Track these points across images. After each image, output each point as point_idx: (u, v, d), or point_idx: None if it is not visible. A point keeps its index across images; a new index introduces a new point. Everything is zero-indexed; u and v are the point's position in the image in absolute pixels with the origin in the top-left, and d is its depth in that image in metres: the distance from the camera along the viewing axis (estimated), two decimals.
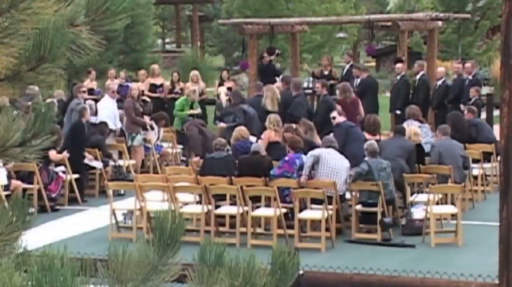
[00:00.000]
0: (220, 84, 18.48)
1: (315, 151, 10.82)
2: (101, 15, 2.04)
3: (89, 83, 18.42)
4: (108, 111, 14.57)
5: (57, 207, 12.50)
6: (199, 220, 10.71)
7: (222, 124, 15.38)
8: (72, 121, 13.63)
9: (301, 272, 4.87)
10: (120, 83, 17.97)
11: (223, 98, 16.80)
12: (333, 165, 10.67)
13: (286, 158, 10.97)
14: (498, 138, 6.55)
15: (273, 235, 10.29)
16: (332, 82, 17.94)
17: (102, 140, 13.82)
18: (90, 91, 17.37)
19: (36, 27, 1.97)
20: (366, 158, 10.69)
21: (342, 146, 11.34)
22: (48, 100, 13.73)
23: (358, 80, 17.17)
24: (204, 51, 38.40)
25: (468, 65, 17.14)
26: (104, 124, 14.13)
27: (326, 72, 18.87)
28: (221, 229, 10.86)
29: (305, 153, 10.94)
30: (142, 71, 19.44)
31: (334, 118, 12.36)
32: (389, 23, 20.43)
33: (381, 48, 37.91)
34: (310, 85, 21.13)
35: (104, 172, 13.43)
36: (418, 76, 17.19)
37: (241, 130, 12.15)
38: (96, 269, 2.07)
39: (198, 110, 15.94)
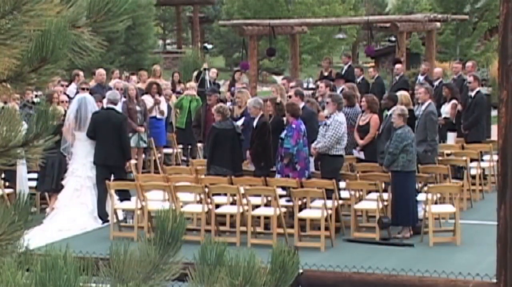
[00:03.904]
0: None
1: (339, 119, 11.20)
2: (102, 16, 2.06)
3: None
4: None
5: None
6: (200, 219, 10.76)
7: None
8: None
9: (300, 271, 4.89)
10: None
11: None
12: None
13: (293, 125, 11.01)
14: (495, 138, 6.59)
15: (273, 234, 10.33)
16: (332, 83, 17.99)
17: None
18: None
19: (38, 29, 1.99)
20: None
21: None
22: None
23: (358, 79, 17.39)
24: (204, 52, 38.45)
25: (469, 64, 17.17)
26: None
27: (326, 73, 18.87)
28: (221, 228, 10.91)
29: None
30: (143, 72, 19.42)
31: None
32: (388, 24, 20.45)
33: (380, 49, 37.93)
34: (310, 86, 21.17)
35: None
36: (421, 77, 17.21)
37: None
38: (98, 268, 2.09)
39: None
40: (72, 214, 11.48)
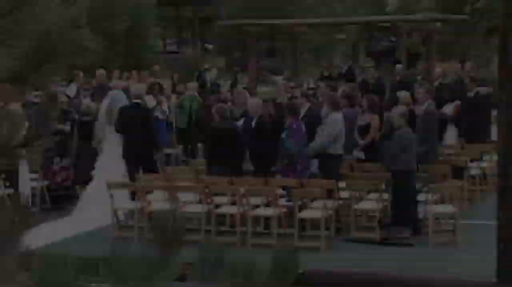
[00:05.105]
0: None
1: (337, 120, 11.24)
2: (103, 17, 2.07)
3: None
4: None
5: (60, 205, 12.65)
6: (200, 219, 10.75)
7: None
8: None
9: (300, 271, 4.90)
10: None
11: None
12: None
13: (294, 126, 11.02)
14: (495, 138, 6.64)
15: (273, 234, 10.33)
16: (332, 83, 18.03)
17: None
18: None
19: (39, 29, 1.99)
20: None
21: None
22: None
23: (359, 79, 17.47)
24: (204, 52, 38.50)
25: (468, 64, 17.21)
26: None
27: (326, 74, 18.92)
28: (221, 228, 10.91)
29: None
30: (143, 72, 19.49)
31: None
32: (388, 24, 20.46)
33: (380, 50, 37.96)
34: (310, 86, 21.17)
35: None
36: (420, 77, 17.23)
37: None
38: (98, 268, 2.09)
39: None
40: (98, 206, 11.74)
